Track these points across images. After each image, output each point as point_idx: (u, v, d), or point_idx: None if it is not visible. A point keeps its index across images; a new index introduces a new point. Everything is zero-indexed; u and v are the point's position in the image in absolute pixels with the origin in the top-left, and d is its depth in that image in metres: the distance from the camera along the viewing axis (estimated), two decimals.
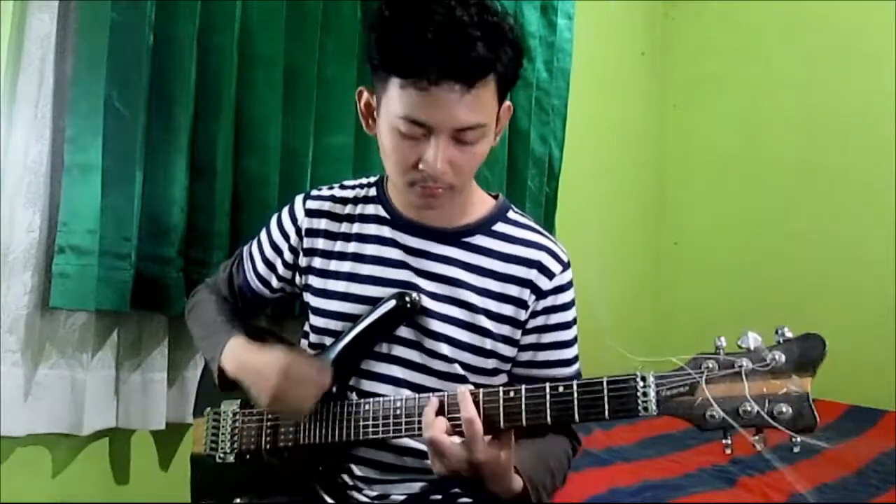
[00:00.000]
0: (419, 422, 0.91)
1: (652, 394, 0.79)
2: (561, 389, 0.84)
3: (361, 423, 0.97)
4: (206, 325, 1.16)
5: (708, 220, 3.03)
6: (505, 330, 1.03)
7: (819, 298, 2.50)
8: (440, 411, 0.89)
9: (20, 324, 1.37)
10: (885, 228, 2.47)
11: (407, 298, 1.00)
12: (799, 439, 0.74)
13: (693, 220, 3.08)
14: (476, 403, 0.87)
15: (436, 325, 1.01)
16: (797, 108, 2.76)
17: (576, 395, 0.83)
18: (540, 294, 1.02)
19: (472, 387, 0.89)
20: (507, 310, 1.02)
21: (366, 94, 1.00)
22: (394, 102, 0.90)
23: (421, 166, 0.92)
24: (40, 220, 1.39)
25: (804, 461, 1.72)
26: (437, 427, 0.87)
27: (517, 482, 0.89)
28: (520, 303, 1.02)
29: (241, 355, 1.04)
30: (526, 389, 0.86)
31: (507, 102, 0.98)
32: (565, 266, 1.05)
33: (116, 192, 1.41)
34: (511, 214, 1.08)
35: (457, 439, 0.86)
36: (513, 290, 1.02)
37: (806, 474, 1.69)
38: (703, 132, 3.08)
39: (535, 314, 1.03)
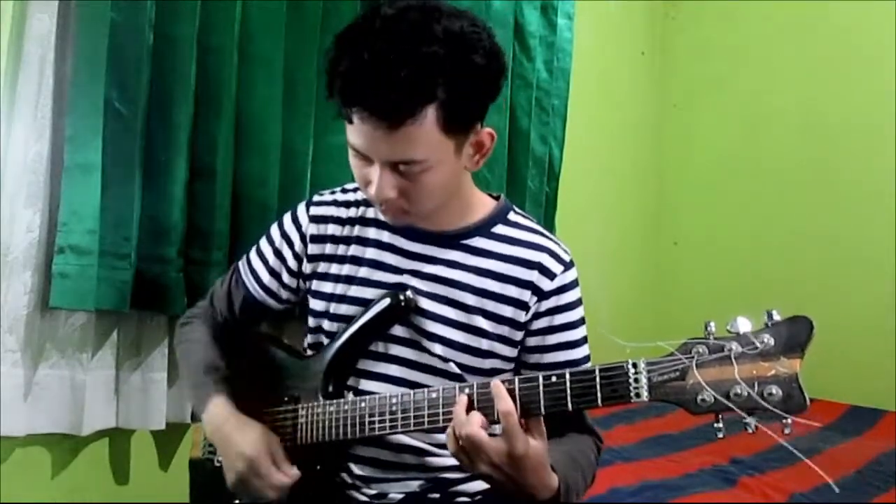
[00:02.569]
0: (415, 417, 0.91)
1: (644, 380, 0.80)
2: (554, 379, 0.84)
3: (359, 422, 0.96)
4: (192, 369, 1.14)
5: (708, 220, 3.03)
6: (503, 330, 1.02)
7: (819, 298, 2.49)
8: (470, 407, 0.87)
9: (20, 324, 1.37)
10: (885, 228, 2.47)
11: (401, 297, 1.00)
12: (790, 420, 0.74)
13: (693, 220, 3.09)
14: (469, 397, 0.87)
15: (430, 326, 1.01)
16: (797, 108, 2.76)
17: (568, 384, 0.83)
18: (542, 295, 1.02)
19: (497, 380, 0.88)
20: (507, 311, 1.02)
21: None
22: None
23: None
24: (40, 220, 1.39)
25: (803, 461, 1.71)
26: (473, 422, 0.84)
27: (553, 478, 0.88)
28: (520, 304, 1.01)
29: (219, 424, 1.03)
30: (519, 380, 0.86)
31: (488, 129, 0.96)
32: (567, 266, 1.04)
33: (116, 191, 1.42)
34: (512, 216, 1.07)
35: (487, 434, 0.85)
36: (512, 291, 1.02)
37: (805, 474, 1.69)
38: (703, 132, 3.08)
39: (538, 315, 1.02)
